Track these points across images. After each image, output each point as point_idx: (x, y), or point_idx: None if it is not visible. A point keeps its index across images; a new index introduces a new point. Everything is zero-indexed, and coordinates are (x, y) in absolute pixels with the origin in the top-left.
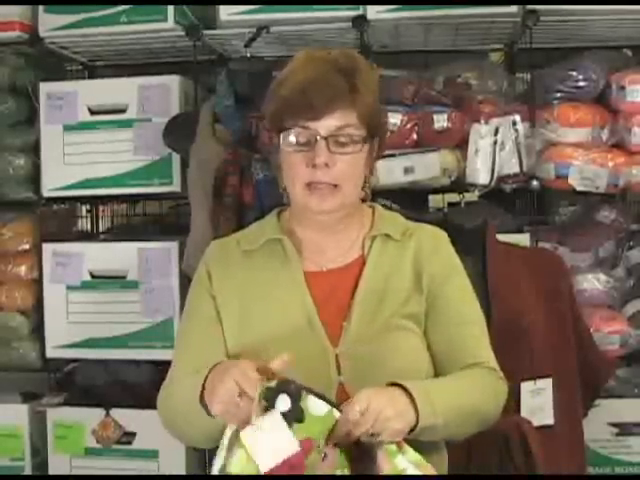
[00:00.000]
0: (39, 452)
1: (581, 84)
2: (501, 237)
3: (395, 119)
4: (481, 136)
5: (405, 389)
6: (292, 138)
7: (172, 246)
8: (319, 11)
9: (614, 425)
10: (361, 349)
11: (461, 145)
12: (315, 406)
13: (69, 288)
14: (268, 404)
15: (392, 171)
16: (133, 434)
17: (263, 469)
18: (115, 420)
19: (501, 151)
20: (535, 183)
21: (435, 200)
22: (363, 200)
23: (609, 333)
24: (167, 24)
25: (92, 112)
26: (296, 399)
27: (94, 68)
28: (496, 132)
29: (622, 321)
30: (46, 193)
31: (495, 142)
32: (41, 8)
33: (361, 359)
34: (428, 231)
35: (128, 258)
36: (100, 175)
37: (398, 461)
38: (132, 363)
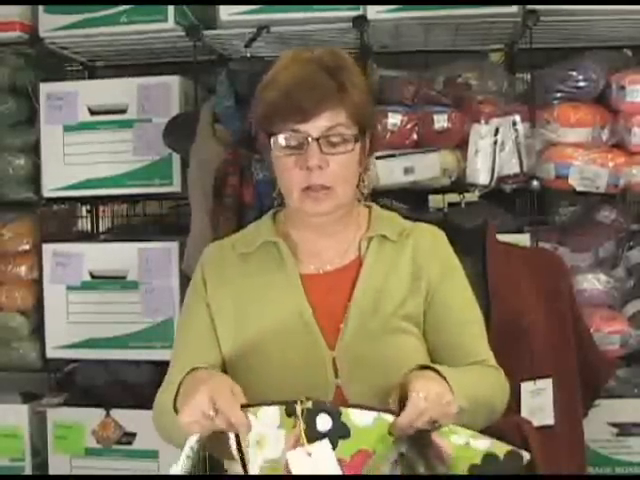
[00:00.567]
0: (39, 452)
1: (581, 84)
2: (501, 237)
3: (395, 119)
4: (481, 136)
5: (438, 372)
6: (283, 142)
7: (172, 246)
8: (319, 11)
9: (614, 425)
10: (358, 351)
11: (461, 145)
12: (361, 417)
13: (69, 288)
14: (308, 426)
15: (392, 171)
16: (133, 434)
17: None
18: (115, 420)
19: (501, 151)
20: (535, 183)
21: (435, 200)
22: (360, 200)
23: (609, 333)
24: (167, 24)
25: (92, 112)
26: (336, 416)
27: (94, 68)
28: (496, 132)
29: (622, 321)
30: (46, 193)
31: (495, 142)
32: (41, 8)
33: (358, 361)
34: (425, 231)
35: (128, 258)
36: (100, 175)
37: (455, 439)
38: (132, 363)
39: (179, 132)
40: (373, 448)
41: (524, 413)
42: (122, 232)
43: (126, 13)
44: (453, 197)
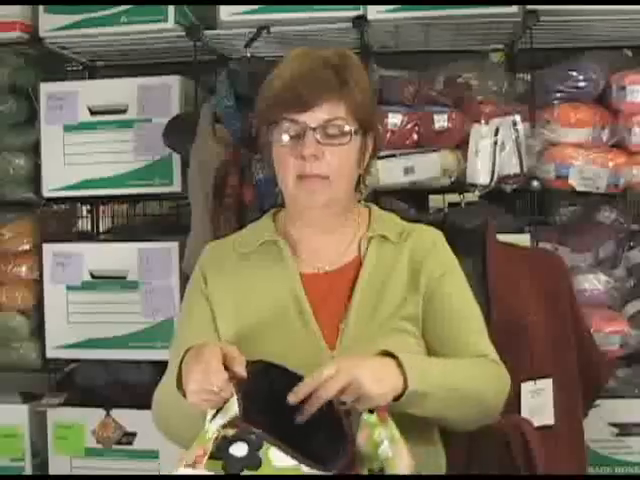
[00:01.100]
0: (39, 452)
1: (581, 84)
2: (501, 237)
3: (395, 119)
4: (481, 136)
5: (394, 357)
6: (281, 131)
7: (172, 246)
8: (319, 11)
9: (614, 425)
10: (358, 351)
11: (461, 145)
12: (279, 458)
13: (69, 288)
14: (217, 451)
15: (392, 171)
16: (133, 434)
17: None
18: (115, 420)
19: (501, 151)
20: (535, 183)
21: (435, 200)
22: (360, 200)
23: (609, 333)
24: (167, 24)
25: (92, 112)
26: (254, 448)
27: (94, 68)
28: (496, 132)
29: (622, 321)
30: (46, 193)
31: (495, 142)
32: (41, 8)
33: None
34: (424, 231)
35: (128, 258)
36: (100, 175)
37: (376, 433)
38: (132, 363)
39: (179, 132)
40: None
41: (524, 413)
42: (122, 232)
43: (126, 13)
44: (453, 197)
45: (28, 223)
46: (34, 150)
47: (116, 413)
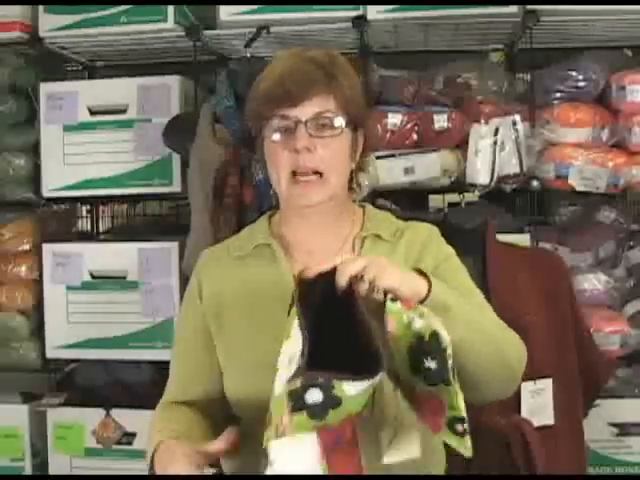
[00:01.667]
0: (39, 452)
1: (581, 84)
2: (501, 237)
3: (395, 119)
4: (481, 136)
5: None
6: (273, 128)
7: (172, 246)
8: (319, 11)
9: (614, 425)
10: None
11: (461, 145)
12: (353, 388)
13: (69, 288)
14: (295, 404)
15: (392, 171)
16: (133, 434)
17: None
18: (115, 420)
19: (501, 151)
20: (535, 183)
21: (435, 200)
22: (355, 200)
23: (609, 333)
24: (167, 24)
25: (92, 112)
26: (327, 389)
27: (94, 68)
28: (496, 132)
29: (622, 321)
30: (46, 193)
31: (495, 142)
32: (41, 8)
33: None
34: (418, 228)
35: (128, 258)
36: (100, 175)
37: (404, 317)
38: (132, 363)
39: (179, 132)
40: (362, 410)
41: (524, 413)
42: (122, 232)
43: (126, 13)
44: (453, 197)
45: (28, 223)
46: (34, 150)
47: (116, 413)
